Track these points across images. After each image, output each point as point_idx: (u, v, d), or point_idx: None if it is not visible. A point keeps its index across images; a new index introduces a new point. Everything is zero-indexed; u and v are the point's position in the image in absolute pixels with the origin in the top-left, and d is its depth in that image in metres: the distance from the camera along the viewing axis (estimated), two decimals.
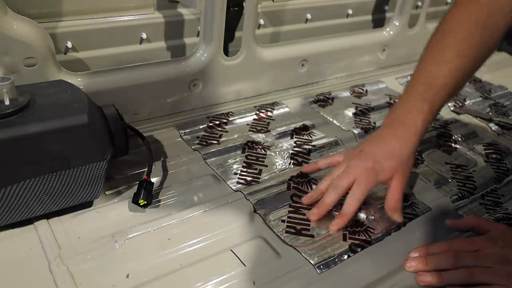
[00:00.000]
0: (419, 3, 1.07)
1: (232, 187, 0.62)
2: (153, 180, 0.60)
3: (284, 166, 0.67)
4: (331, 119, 0.83)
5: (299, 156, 0.70)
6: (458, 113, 0.90)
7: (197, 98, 0.77)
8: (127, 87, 0.68)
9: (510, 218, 0.60)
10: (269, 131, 0.76)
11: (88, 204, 0.55)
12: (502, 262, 0.49)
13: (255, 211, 0.58)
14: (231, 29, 0.82)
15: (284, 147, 0.72)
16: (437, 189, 0.66)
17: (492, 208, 0.64)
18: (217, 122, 0.77)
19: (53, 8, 0.68)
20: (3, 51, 0.56)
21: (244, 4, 0.75)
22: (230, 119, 0.78)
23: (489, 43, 0.60)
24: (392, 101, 0.91)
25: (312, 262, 0.51)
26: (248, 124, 0.78)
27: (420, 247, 0.53)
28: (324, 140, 0.75)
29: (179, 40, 0.82)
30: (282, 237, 0.54)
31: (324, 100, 0.89)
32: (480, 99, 0.98)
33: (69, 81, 0.61)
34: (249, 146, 0.71)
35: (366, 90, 0.95)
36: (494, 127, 0.86)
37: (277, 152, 0.71)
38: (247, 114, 0.80)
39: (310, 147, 0.73)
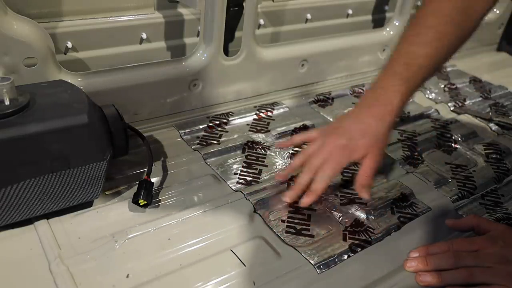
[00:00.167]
0: (419, 3, 1.07)
1: (232, 187, 0.62)
2: (153, 180, 0.60)
3: (284, 166, 0.67)
4: (331, 119, 0.83)
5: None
6: (458, 113, 0.90)
7: (197, 98, 0.77)
8: (127, 87, 0.68)
9: (510, 218, 0.60)
10: (269, 131, 0.76)
11: (88, 204, 0.55)
12: (502, 262, 0.49)
13: (255, 211, 0.58)
14: (231, 29, 0.82)
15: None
16: (437, 189, 0.66)
17: (492, 208, 0.64)
18: (217, 122, 0.77)
19: (53, 8, 0.68)
20: (3, 51, 0.56)
21: (244, 4, 0.75)
22: (230, 119, 0.78)
23: (468, 26, 0.60)
24: None
25: (312, 262, 0.51)
26: (248, 124, 0.78)
27: (420, 247, 0.53)
28: None
29: (179, 40, 0.82)
30: (282, 237, 0.54)
31: (324, 100, 0.89)
32: (480, 99, 0.98)
33: (69, 81, 0.61)
34: (249, 146, 0.71)
35: (366, 90, 0.95)
36: (494, 127, 0.86)
37: (277, 152, 0.71)
38: (247, 114, 0.80)
39: None
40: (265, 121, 0.80)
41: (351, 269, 0.51)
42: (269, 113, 0.82)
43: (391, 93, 0.59)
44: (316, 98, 0.89)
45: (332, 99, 0.90)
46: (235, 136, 0.74)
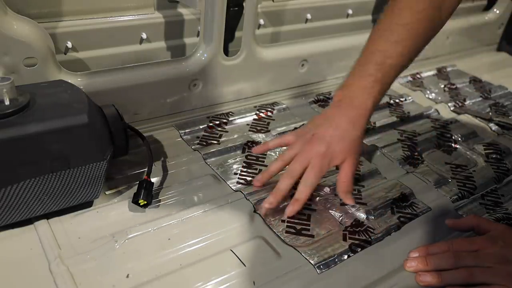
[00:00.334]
0: None
1: (232, 187, 0.62)
2: (153, 180, 0.60)
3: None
4: None
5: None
6: (458, 113, 0.90)
7: (197, 98, 0.77)
8: (127, 87, 0.68)
9: (510, 218, 0.60)
10: (269, 131, 0.76)
11: (88, 204, 0.55)
12: (502, 262, 0.49)
13: (255, 211, 0.58)
14: (231, 29, 0.82)
15: (284, 148, 0.72)
16: (437, 189, 0.66)
17: (492, 208, 0.64)
18: (217, 122, 0.77)
19: (53, 8, 0.68)
20: (3, 51, 0.56)
21: (244, 4, 0.75)
22: (230, 119, 0.78)
23: (440, 22, 0.61)
24: (392, 101, 0.91)
25: (312, 262, 0.51)
26: (248, 124, 0.78)
27: (420, 247, 0.53)
28: None
29: (179, 40, 0.82)
30: (282, 237, 0.54)
31: (324, 100, 0.89)
32: (480, 99, 0.98)
33: (69, 81, 0.61)
34: (249, 146, 0.71)
35: None
36: (494, 127, 0.86)
37: (277, 152, 0.71)
38: (247, 114, 0.80)
39: None
40: (265, 121, 0.80)
41: (351, 269, 0.51)
42: (269, 113, 0.82)
43: (365, 95, 0.59)
44: (316, 98, 0.89)
45: (332, 99, 0.90)
46: (235, 136, 0.74)
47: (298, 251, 0.52)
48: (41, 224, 0.52)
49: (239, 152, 0.70)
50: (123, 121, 0.57)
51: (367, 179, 0.66)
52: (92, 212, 0.55)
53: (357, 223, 0.57)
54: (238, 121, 0.78)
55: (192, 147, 0.70)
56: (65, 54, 0.71)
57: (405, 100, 0.92)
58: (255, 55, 0.79)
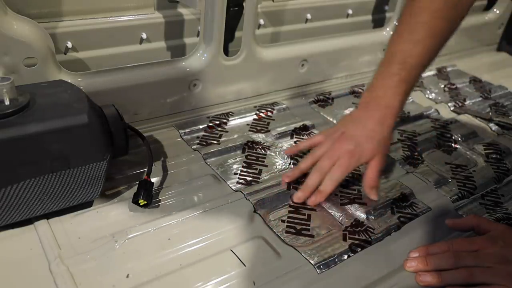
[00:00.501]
0: None
1: (232, 187, 0.62)
2: (153, 180, 0.60)
3: (284, 166, 0.67)
4: (331, 119, 0.83)
5: (299, 156, 0.70)
6: (458, 113, 0.90)
7: (197, 98, 0.77)
8: (127, 87, 0.68)
9: (510, 218, 0.60)
10: (269, 131, 0.76)
11: (88, 204, 0.55)
12: (502, 262, 0.49)
13: (255, 211, 0.58)
14: (231, 29, 0.82)
15: (284, 147, 0.72)
16: (437, 189, 0.66)
17: (492, 208, 0.64)
18: (217, 122, 0.77)
19: (53, 8, 0.68)
20: (3, 51, 0.56)
21: (244, 4, 0.75)
22: (230, 119, 0.78)
23: (458, 19, 0.61)
24: None
25: (312, 262, 0.51)
26: (248, 124, 0.78)
27: (420, 247, 0.53)
28: None
29: (179, 40, 0.82)
30: (282, 237, 0.54)
31: (324, 100, 0.89)
32: (480, 99, 0.98)
33: (69, 81, 0.61)
34: (249, 146, 0.71)
35: None
36: (494, 127, 0.86)
37: (277, 152, 0.71)
38: (247, 114, 0.80)
39: None
40: (265, 121, 0.80)
41: (351, 269, 0.51)
42: (269, 113, 0.82)
43: (391, 95, 0.60)
44: (316, 98, 0.89)
45: (332, 99, 0.90)
46: (235, 136, 0.74)
47: (298, 251, 0.52)
48: (41, 224, 0.52)
49: (239, 152, 0.70)
50: (123, 121, 0.57)
51: None
52: (92, 212, 0.55)
53: (357, 223, 0.57)
54: (238, 121, 0.78)
55: (192, 147, 0.70)
56: (65, 54, 0.71)
57: None
58: (255, 55, 0.79)
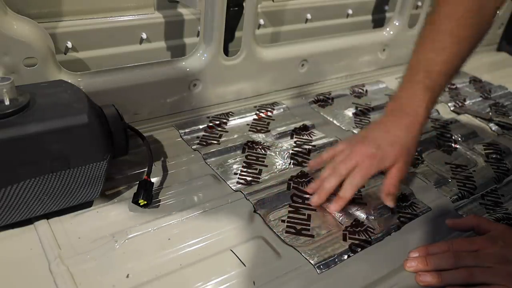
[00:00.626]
0: (419, 3, 1.07)
1: (232, 187, 0.62)
2: (153, 180, 0.60)
3: (284, 166, 0.67)
4: (331, 119, 0.83)
5: (299, 156, 0.70)
6: (458, 113, 0.90)
7: (197, 98, 0.77)
8: (127, 87, 0.68)
9: (510, 218, 0.60)
10: (269, 131, 0.76)
11: (88, 204, 0.55)
12: (502, 262, 0.49)
13: (255, 211, 0.58)
14: (231, 29, 0.82)
15: (284, 147, 0.72)
16: (437, 189, 0.66)
17: (492, 208, 0.64)
18: (217, 122, 0.77)
19: (53, 8, 0.68)
20: (3, 51, 0.56)
21: (244, 4, 0.75)
22: (230, 119, 0.78)
23: (482, 27, 0.60)
24: None
25: (312, 262, 0.51)
26: (248, 124, 0.78)
27: (420, 247, 0.53)
28: (324, 140, 0.75)
29: (179, 40, 0.82)
30: (282, 237, 0.54)
31: (324, 100, 0.89)
32: (480, 99, 0.98)
33: (69, 81, 0.61)
34: (249, 146, 0.71)
35: (366, 90, 0.95)
36: (494, 127, 0.86)
37: (277, 152, 0.71)
38: (247, 114, 0.80)
39: (310, 147, 0.73)
40: (265, 121, 0.80)
41: (351, 269, 0.51)
42: (269, 113, 0.82)
43: (416, 102, 0.59)
44: (316, 98, 0.89)
45: (332, 99, 0.90)
46: (235, 136, 0.74)
47: (298, 251, 0.52)
48: (41, 224, 0.52)
49: (239, 152, 0.70)
50: (123, 121, 0.57)
51: None
52: (92, 212, 0.55)
53: (357, 223, 0.57)
54: (238, 121, 0.78)
55: (192, 147, 0.70)
56: (65, 54, 0.71)
57: None
58: (255, 55, 0.79)
